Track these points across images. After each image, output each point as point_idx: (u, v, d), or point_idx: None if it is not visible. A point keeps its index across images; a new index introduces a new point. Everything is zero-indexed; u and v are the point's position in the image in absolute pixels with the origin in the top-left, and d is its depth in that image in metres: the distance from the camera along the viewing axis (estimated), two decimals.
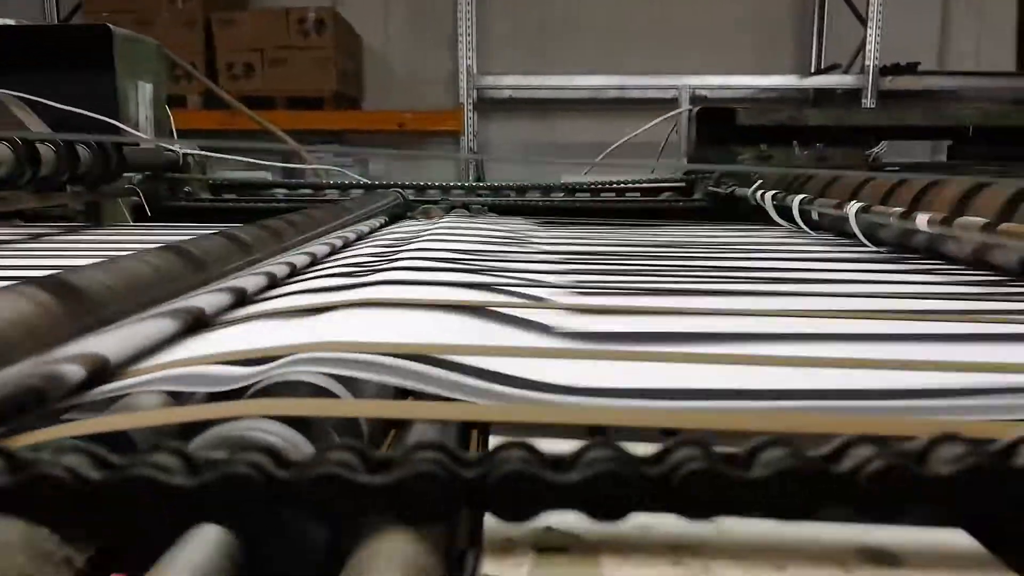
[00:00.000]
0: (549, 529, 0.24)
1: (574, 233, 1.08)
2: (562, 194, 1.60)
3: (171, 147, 1.47)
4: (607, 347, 0.46)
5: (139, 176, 1.45)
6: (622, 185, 1.59)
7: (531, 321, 0.51)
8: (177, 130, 1.80)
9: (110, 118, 1.40)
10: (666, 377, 0.39)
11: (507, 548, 0.23)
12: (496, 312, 0.51)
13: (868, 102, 3.91)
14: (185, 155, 1.54)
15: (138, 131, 1.50)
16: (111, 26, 1.48)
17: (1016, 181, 0.68)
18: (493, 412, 0.29)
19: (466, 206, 1.49)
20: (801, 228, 1.03)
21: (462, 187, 1.63)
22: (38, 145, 1.05)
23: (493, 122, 4.29)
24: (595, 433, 0.31)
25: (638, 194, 1.58)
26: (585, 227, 1.17)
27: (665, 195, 1.57)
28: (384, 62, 4.30)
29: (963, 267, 0.75)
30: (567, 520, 0.24)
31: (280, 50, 3.74)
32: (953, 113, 1.74)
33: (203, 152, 1.53)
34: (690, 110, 1.64)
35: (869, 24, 3.89)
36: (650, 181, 1.60)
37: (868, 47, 3.90)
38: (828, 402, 0.36)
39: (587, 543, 0.24)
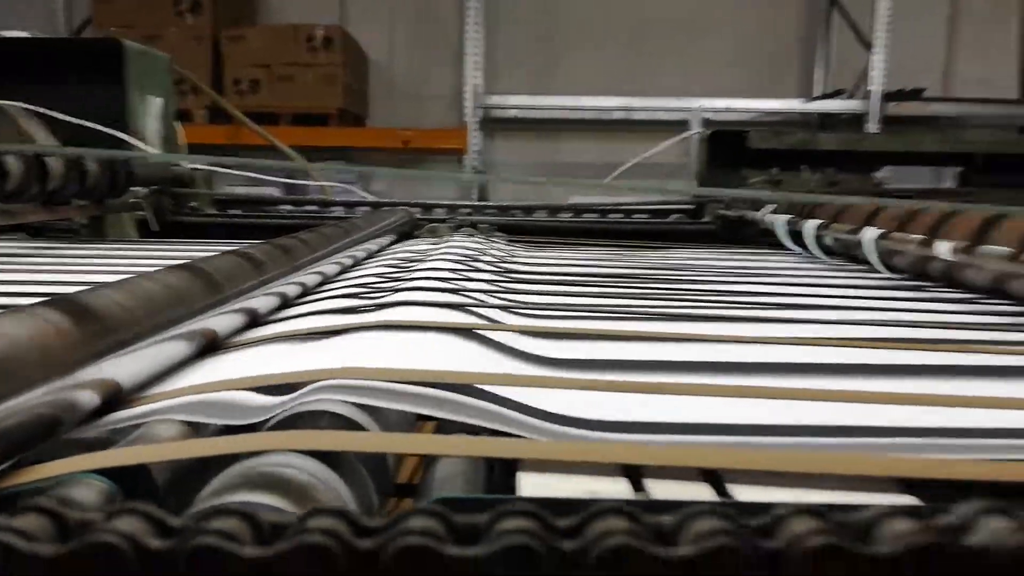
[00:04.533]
0: None
1: (581, 255, 1.07)
2: (570, 215, 1.59)
3: (178, 162, 1.46)
4: (624, 377, 0.45)
5: (145, 190, 1.44)
6: (630, 207, 1.59)
7: (538, 349, 0.50)
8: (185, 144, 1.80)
9: (119, 131, 1.40)
10: (690, 412, 0.38)
11: None
12: (500, 341, 0.50)
13: (872, 127, 3.92)
14: (192, 169, 1.53)
15: (147, 145, 1.49)
16: (123, 40, 1.48)
17: None
18: (529, 449, 0.28)
19: (474, 225, 1.49)
20: (813, 253, 1.02)
21: (469, 206, 1.63)
22: (47, 158, 1.05)
23: (498, 141, 4.30)
24: (630, 471, 0.30)
25: (646, 216, 1.57)
26: (592, 249, 1.16)
27: (673, 217, 1.57)
28: (389, 79, 4.32)
29: (983, 296, 0.74)
30: None
31: (287, 67, 3.75)
32: (967, 140, 1.73)
33: (210, 167, 1.52)
34: (701, 133, 1.64)
35: (874, 49, 3.90)
36: (658, 203, 1.60)
37: (873, 72, 3.91)
38: (852, 439, 0.35)
39: None
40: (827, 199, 1.07)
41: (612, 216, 1.59)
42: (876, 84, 3.91)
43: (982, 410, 0.40)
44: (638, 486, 0.32)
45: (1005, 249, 0.64)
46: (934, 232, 0.76)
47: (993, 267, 0.67)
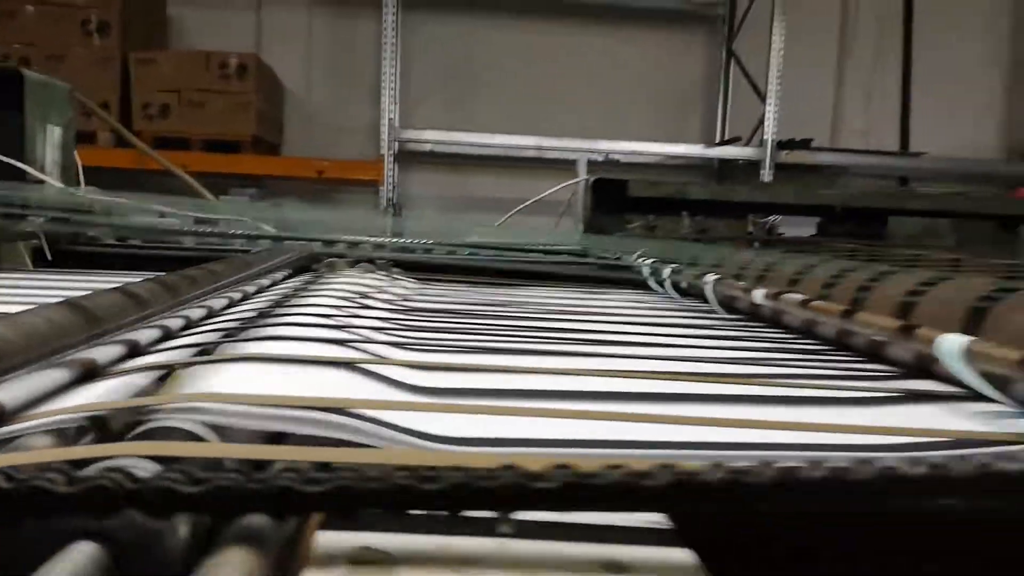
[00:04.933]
0: (366, 548, 0.30)
1: (465, 293, 1.15)
2: (467, 252, 1.68)
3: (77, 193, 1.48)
4: (465, 401, 0.53)
5: (41, 219, 1.45)
6: (525, 246, 1.69)
7: (401, 379, 0.57)
8: (85, 168, 1.81)
9: (16, 160, 1.41)
10: (515, 429, 0.46)
11: (327, 562, 0.29)
12: (368, 370, 0.57)
13: (766, 174, 4.18)
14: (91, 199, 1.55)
15: (44, 174, 1.50)
16: (23, 70, 1.49)
17: (838, 263, 0.79)
18: (354, 455, 0.35)
19: (372, 260, 1.55)
20: (671, 295, 1.14)
21: (371, 242, 1.69)
22: None
23: (413, 173, 4.38)
24: None
25: (539, 254, 1.68)
26: (480, 287, 1.24)
27: (563, 256, 1.67)
28: (306, 110, 4.36)
29: (797, 336, 0.85)
30: (382, 540, 0.31)
31: (199, 92, 3.74)
32: (821, 193, 1.92)
33: (111, 199, 1.54)
34: (587, 180, 1.76)
35: (768, 100, 4.18)
36: (551, 243, 1.70)
37: (767, 122, 4.18)
38: (641, 451, 0.44)
39: (393, 557, 0.30)
40: (694, 245, 1.19)
41: (508, 254, 1.69)
42: (769, 133, 4.18)
43: (773, 432, 0.49)
44: None
45: (799, 296, 0.75)
46: (760, 280, 0.87)
47: (798, 313, 0.79)
